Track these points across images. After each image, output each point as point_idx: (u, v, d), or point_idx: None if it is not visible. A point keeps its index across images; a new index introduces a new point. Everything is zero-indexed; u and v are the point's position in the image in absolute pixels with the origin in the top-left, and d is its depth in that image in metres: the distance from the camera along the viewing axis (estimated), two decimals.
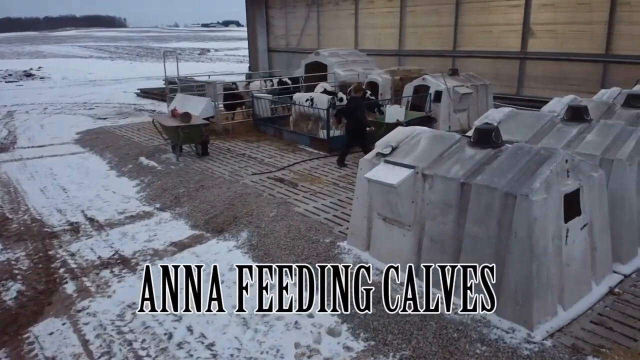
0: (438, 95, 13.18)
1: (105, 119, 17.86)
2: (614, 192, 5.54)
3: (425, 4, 19.21)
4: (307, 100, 12.47)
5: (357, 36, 22.58)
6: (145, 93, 23.79)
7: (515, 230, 4.51)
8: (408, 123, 10.60)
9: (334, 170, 10.10)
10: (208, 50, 63.43)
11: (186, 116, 10.68)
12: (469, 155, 5.34)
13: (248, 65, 30.37)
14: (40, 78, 35.34)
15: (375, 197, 5.80)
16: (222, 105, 14.26)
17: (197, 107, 13.33)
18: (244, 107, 14.64)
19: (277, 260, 6.27)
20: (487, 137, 5.38)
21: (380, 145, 6.11)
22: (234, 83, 15.48)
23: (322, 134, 11.67)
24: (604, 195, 5.23)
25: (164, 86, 16.51)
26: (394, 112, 11.10)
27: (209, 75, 17.61)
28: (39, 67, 39.86)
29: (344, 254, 6.20)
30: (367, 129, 10.07)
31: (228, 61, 46.65)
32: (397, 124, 10.49)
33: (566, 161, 4.80)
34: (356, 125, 10.18)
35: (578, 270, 4.94)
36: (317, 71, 16.82)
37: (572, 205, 4.80)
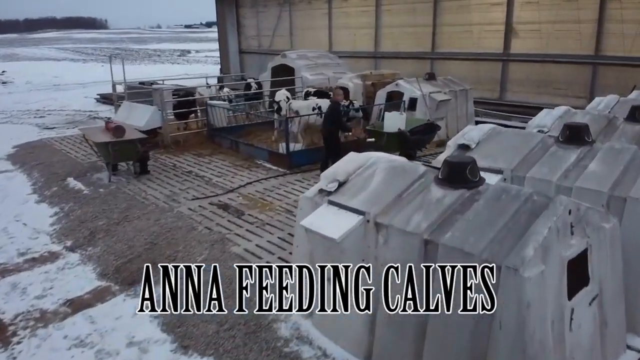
0: (413, 102, 11.82)
1: (52, 128, 16.21)
2: (626, 241, 4.20)
3: (401, 2, 17.88)
4: (314, 108, 11.00)
5: (331, 37, 21.18)
6: (104, 99, 22.11)
7: (500, 319, 3.13)
8: (412, 132, 9.27)
9: (293, 191, 8.67)
10: (188, 52, 61.50)
11: (118, 130, 9.14)
12: (437, 197, 3.95)
13: (219, 67, 28.82)
14: (2, 83, 33.33)
15: (316, 250, 4.40)
16: (172, 114, 12.75)
17: (142, 117, 11.86)
18: (197, 115, 13.14)
19: (192, 330, 4.81)
20: (459, 174, 4.00)
21: (326, 178, 4.70)
22: (187, 89, 13.98)
23: (282, 147, 10.22)
24: (618, 252, 3.88)
25: (113, 93, 14.87)
26: (394, 120, 9.63)
27: (163, 80, 16.05)
28: (3, 71, 37.75)
29: (279, 321, 4.77)
30: (369, 140, 9.04)
31: (206, 63, 44.91)
32: (400, 133, 9.14)
33: (569, 212, 3.43)
34: (328, 134, 9.00)
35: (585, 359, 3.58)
36: (285, 75, 15.38)
37: (577, 274, 3.45)
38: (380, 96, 12.47)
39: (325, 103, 10.67)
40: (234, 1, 25.67)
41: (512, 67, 15.25)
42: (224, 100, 13.08)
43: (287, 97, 11.47)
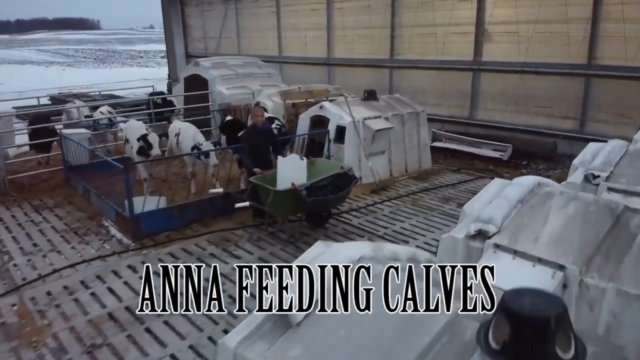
0: (340, 131, 8.70)
1: None
2: None
3: None
4: (175, 135, 8.05)
5: (280, 39, 18.02)
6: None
7: None
8: (314, 188, 6.14)
9: (106, 298, 5.50)
10: None
11: None
12: None
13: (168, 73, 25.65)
14: None
15: None
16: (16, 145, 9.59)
17: None
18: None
19: None
20: None
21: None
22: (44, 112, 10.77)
23: (127, 206, 7.00)
24: None
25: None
26: (289, 169, 6.44)
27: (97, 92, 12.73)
28: None
29: None
30: (238, 206, 5.93)
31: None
32: (292, 192, 6.00)
33: None
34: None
35: None
36: (200, 88, 12.26)
37: None
38: (303, 122, 9.33)
39: (186, 127, 7.70)
40: None
41: (484, 78, 12.13)
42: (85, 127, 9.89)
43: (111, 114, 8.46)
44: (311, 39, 16.75)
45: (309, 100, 9.91)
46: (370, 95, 9.61)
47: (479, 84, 12.25)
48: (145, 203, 6.91)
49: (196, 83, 12.36)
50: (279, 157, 6.57)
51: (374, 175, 8.71)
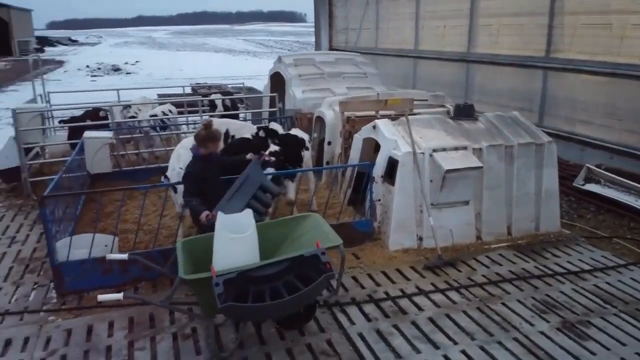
0: (392, 167, 5.74)
1: None
2: None
3: None
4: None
5: (417, 30, 14.96)
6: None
7: None
8: (238, 282, 3.71)
9: None
10: None
11: None
12: None
13: None
14: (127, 73, 33.77)
15: None
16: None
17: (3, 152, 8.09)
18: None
19: None
20: None
21: None
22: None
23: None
24: None
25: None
26: (230, 233, 3.84)
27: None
28: (136, 62, 38.80)
29: None
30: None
31: None
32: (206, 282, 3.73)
33: None
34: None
35: None
36: (282, 88, 10.17)
37: None
38: (357, 143, 6.55)
39: None
40: None
41: None
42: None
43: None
44: (450, 29, 13.38)
45: (380, 113, 7.02)
46: (462, 112, 6.34)
47: None
48: (79, 248, 5.04)
49: (280, 82, 10.29)
50: (219, 211, 4.02)
51: (435, 240, 5.55)
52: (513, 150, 6.08)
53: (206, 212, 4.32)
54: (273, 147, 5.93)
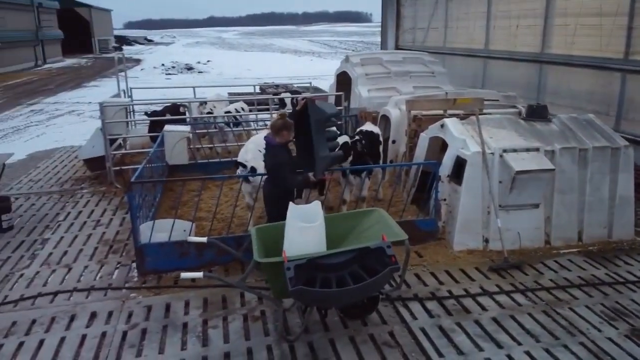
0: (459, 166, 5.75)
1: None
2: None
3: None
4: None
5: (488, 30, 14.66)
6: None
7: None
8: (307, 269, 3.93)
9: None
10: None
11: None
12: None
13: None
14: (199, 72, 35.14)
15: None
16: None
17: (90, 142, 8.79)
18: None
19: None
20: None
21: None
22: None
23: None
24: None
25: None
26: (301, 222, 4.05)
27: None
28: (208, 61, 40.23)
29: None
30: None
31: None
32: (279, 267, 3.97)
33: None
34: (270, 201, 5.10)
35: None
36: (349, 87, 10.34)
37: None
38: (422, 143, 6.60)
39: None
40: None
41: None
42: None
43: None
44: (522, 29, 13.02)
45: (448, 112, 7.01)
46: (535, 113, 6.24)
47: None
48: (160, 232, 5.45)
49: (346, 82, 10.45)
50: (290, 202, 4.23)
51: (502, 242, 5.51)
52: (587, 154, 5.91)
53: (310, 173, 4.90)
54: (344, 138, 6.17)
